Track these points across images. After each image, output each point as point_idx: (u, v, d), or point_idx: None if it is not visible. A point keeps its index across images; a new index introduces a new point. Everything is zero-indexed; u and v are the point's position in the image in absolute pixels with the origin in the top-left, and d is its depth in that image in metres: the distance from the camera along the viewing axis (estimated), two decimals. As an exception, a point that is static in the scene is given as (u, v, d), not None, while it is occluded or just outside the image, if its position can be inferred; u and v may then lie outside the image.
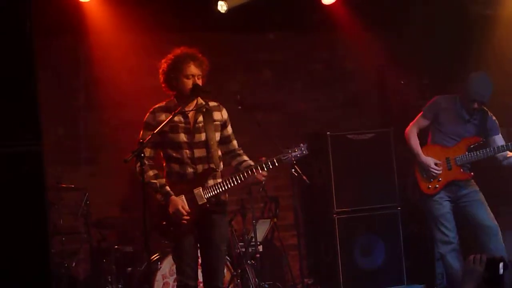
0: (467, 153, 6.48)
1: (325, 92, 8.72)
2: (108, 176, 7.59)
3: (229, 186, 5.21)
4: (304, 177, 6.43)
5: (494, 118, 6.61)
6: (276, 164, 5.25)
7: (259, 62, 8.51)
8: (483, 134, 6.49)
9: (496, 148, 6.43)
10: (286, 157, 5.36)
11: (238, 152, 5.49)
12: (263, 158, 5.22)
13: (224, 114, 5.41)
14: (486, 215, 6.41)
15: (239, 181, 5.21)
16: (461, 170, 6.52)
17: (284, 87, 8.57)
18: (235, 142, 5.49)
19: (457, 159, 6.49)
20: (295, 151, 5.39)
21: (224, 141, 5.40)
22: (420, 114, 6.69)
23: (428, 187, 6.55)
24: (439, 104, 6.58)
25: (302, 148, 5.41)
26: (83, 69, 7.66)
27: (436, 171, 6.48)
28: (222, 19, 7.45)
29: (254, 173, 5.21)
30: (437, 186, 6.53)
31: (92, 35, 7.36)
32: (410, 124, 6.69)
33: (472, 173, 6.54)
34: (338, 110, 8.77)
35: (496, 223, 6.40)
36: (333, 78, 8.79)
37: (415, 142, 6.58)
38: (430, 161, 6.50)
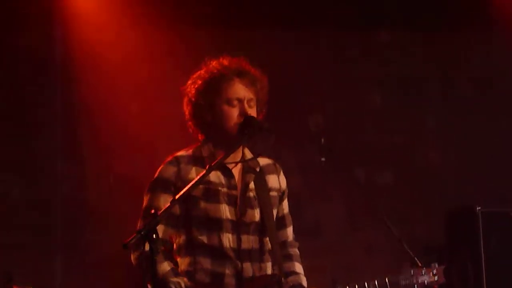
0: None
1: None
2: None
3: None
4: (436, 288, 5.32)
5: None
6: None
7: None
8: None
9: None
10: (406, 282, 4.54)
11: (291, 251, 4.35)
12: None
13: (283, 180, 4.42)
14: None
15: None
16: None
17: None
18: (290, 230, 4.40)
19: None
20: (422, 274, 4.56)
21: (276, 225, 4.50)
22: None
23: None
24: None
25: (435, 272, 4.56)
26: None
27: None
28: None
29: None
30: None
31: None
32: None
33: None
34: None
35: None
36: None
37: None
38: None
